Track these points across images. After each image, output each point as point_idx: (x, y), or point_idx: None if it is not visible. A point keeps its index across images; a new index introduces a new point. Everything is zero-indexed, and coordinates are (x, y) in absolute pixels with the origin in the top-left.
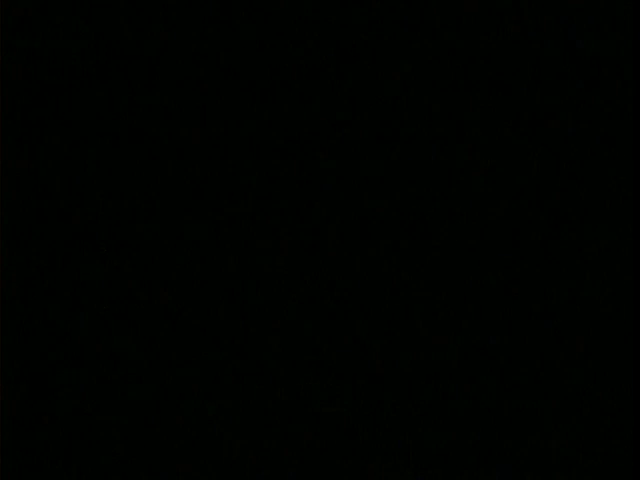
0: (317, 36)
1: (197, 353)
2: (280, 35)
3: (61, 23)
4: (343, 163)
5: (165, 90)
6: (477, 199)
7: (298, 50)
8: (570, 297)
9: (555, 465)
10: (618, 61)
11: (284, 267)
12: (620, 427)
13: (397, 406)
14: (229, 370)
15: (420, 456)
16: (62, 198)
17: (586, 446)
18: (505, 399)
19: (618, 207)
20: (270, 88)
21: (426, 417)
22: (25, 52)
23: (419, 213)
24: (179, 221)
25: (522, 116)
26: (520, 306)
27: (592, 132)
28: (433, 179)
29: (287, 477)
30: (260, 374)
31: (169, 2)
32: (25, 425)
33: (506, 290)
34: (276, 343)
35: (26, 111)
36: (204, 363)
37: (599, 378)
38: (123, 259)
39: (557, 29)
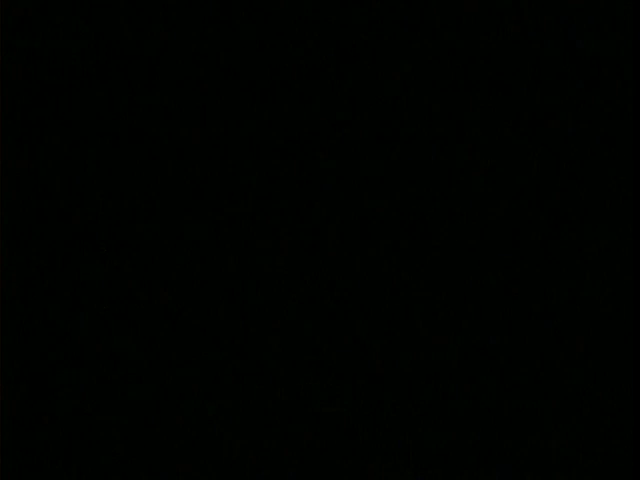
0: (317, 36)
1: (197, 353)
2: (280, 35)
3: (61, 23)
4: (343, 163)
5: (165, 90)
6: (477, 199)
7: (298, 50)
8: (570, 297)
9: (555, 465)
10: (618, 61)
11: (284, 267)
12: (620, 427)
13: (397, 406)
14: (229, 370)
15: (420, 456)
16: (62, 198)
17: (586, 446)
18: (505, 399)
19: (618, 207)
20: (270, 88)
21: (426, 417)
22: (25, 52)
23: (419, 213)
24: (179, 221)
25: (522, 116)
26: (520, 306)
27: (592, 132)
28: (433, 179)
29: (287, 477)
30: (260, 374)
31: (169, 2)
32: (25, 425)
33: (506, 290)
34: (276, 343)
35: (26, 111)
36: (204, 363)
37: (599, 378)
38: (123, 259)
39: (557, 29)
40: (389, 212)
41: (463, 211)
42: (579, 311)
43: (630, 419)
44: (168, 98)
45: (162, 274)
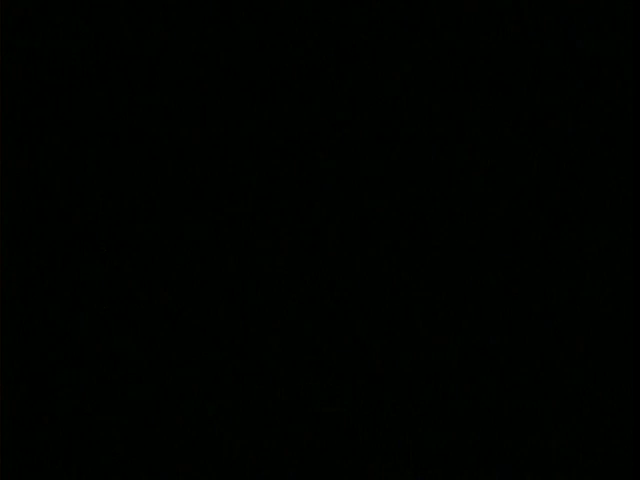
0: (317, 36)
1: (197, 353)
2: (280, 35)
3: (61, 23)
4: (343, 163)
5: (165, 90)
6: (477, 199)
7: (298, 50)
8: (570, 297)
9: (555, 465)
10: (618, 61)
11: (284, 267)
12: (620, 427)
13: (397, 406)
14: (229, 370)
15: (420, 456)
16: (62, 198)
17: (586, 446)
18: (505, 399)
19: (618, 207)
20: (270, 88)
21: (426, 417)
22: (25, 52)
23: (419, 213)
24: (179, 221)
25: (522, 116)
26: (520, 306)
27: (592, 132)
28: (433, 179)
29: (287, 477)
30: (260, 374)
31: (169, 2)
32: (25, 425)
33: (506, 290)
34: (276, 343)
35: (26, 111)
36: (204, 363)
37: (599, 378)
38: (123, 259)
39: (557, 29)
40: (389, 212)
41: (463, 211)
42: (579, 311)
43: (630, 419)
44: (168, 98)
45: (162, 274)
